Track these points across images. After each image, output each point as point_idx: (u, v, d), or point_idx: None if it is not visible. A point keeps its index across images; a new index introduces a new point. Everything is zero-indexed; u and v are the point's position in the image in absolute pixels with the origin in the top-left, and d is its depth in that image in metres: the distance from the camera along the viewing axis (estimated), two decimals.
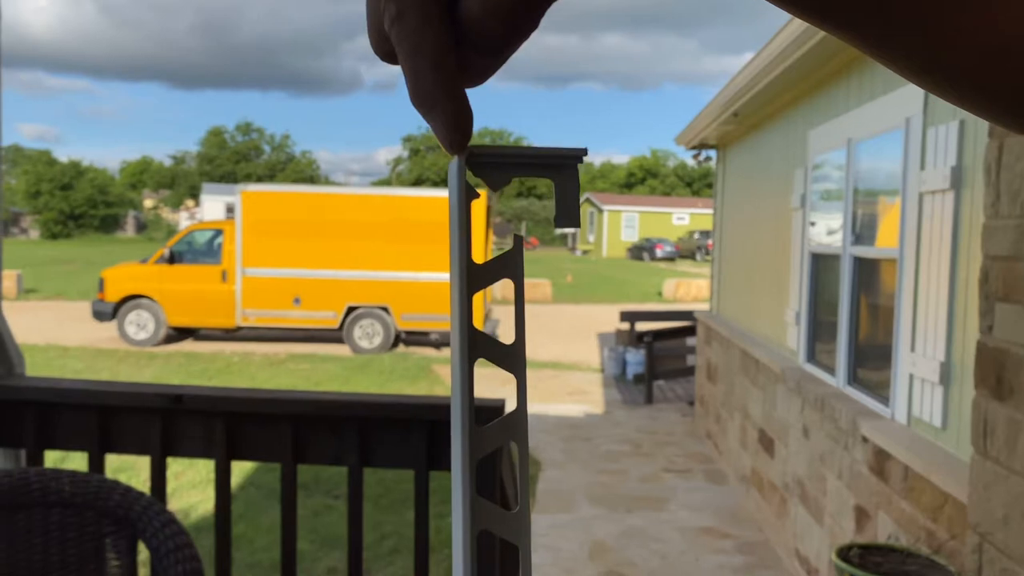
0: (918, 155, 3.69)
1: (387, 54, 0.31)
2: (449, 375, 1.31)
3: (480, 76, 0.32)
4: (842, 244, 4.70)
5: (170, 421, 2.06)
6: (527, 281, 17.79)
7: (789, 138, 5.96)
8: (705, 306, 11.50)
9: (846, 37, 0.30)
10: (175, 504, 5.93)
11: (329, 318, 13.55)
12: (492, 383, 1.18)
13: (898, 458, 3.48)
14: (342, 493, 5.91)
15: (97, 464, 2.06)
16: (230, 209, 30.29)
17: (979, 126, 3.09)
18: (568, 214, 0.34)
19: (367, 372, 11.95)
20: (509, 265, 0.34)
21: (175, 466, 6.53)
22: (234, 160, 67.85)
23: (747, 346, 6.38)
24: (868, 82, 4.36)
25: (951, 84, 0.30)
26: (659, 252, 43.53)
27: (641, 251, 44.85)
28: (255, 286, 13.37)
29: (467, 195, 0.32)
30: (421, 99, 0.30)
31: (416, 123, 77.29)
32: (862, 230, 4.54)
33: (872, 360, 4.39)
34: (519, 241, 0.35)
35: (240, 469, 6.25)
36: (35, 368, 10.14)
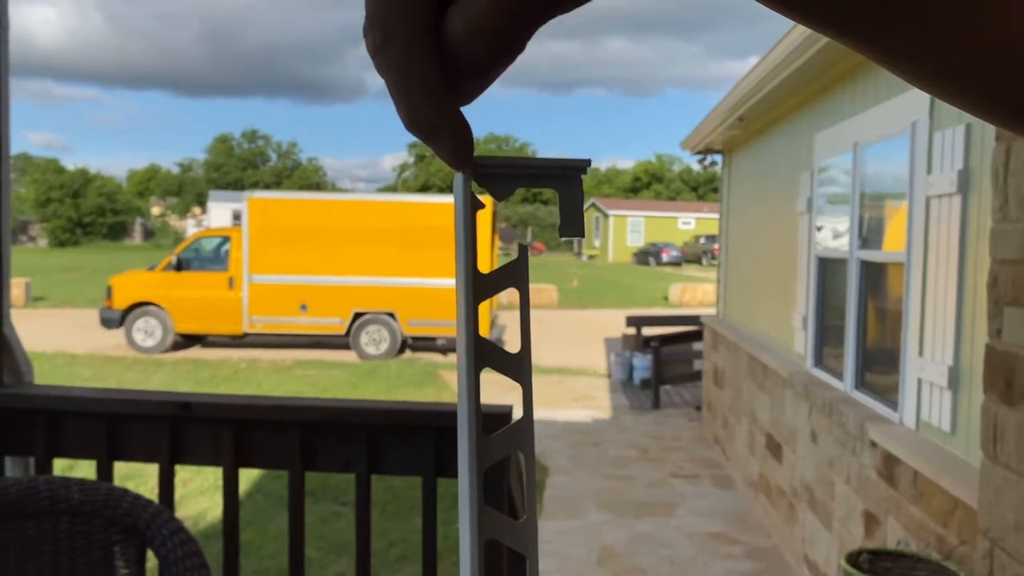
0: (924, 159, 3.68)
1: None
2: (456, 380, 1.32)
3: (469, 95, 0.32)
4: (849, 248, 4.68)
5: (178, 429, 2.06)
6: (533, 286, 17.79)
7: (795, 142, 5.95)
8: (711, 311, 11.48)
9: (847, 41, 0.29)
10: (183, 511, 5.94)
11: (336, 324, 13.57)
12: (499, 388, 1.18)
13: (907, 463, 3.46)
14: (349, 500, 5.91)
15: (105, 472, 2.06)
16: (237, 216, 30.37)
17: (986, 130, 3.09)
18: (572, 223, 0.34)
19: (374, 378, 11.96)
20: (514, 275, 0.34)
21: (183, 473, 6.53)
22: (241, 167, 68.21)
23: (754, 350, 6.37)
24: (873, 86, 4.35)
25: (955, 86, 0.30)
26: (665, 257, 43.50)
27: (647, 256, 44.82)
28: (262, 293, 13.40)
29: (473, 207, 0.33)
30: (419, 127, 0.30)
31: None
32: (869, 234, 4.53)
33: (880, 364, 4.38)
34: (524, 251, 0.35)
35: (248, 476, 6.26)
36: (44, 376, 10.16)
